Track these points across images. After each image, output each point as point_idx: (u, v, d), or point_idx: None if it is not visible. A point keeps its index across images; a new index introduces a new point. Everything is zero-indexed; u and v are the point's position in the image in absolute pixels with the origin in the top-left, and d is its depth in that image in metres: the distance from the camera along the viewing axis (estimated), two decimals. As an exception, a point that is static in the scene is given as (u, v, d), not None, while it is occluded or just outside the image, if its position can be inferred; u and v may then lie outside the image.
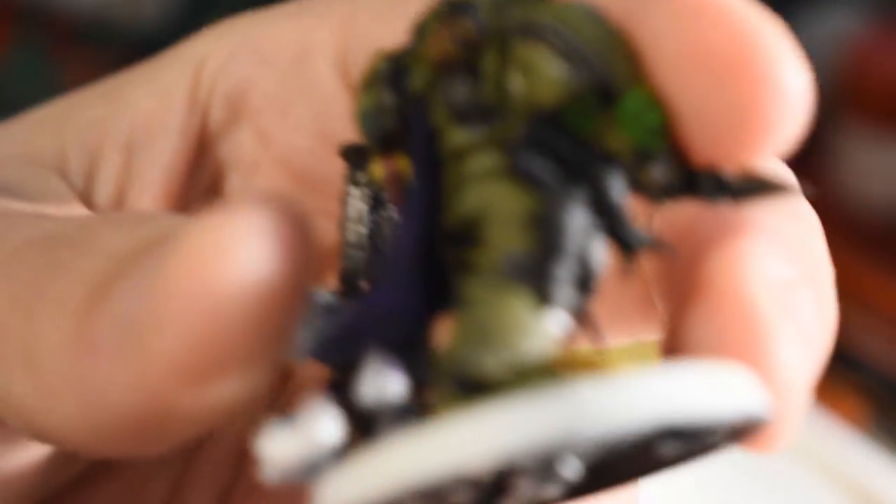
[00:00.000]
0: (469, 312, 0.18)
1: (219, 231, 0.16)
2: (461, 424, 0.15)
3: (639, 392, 0.15)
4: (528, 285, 0.17)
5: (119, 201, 0.25)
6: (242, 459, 0.26)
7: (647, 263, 0.21)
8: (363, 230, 0.21)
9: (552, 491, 0.19)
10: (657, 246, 0.18)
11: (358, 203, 0.21)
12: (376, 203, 0.21)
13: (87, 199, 0.25)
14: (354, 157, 0.21)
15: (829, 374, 0.67)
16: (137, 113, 0.25)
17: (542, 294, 0.17)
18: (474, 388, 0.17)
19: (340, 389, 0.19)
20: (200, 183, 0.26)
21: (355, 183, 0.21)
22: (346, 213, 0.21)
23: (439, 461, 0.15)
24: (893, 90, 0.84)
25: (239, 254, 0.16)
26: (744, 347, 0.18)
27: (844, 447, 0.67)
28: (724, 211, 0.19)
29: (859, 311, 0.79)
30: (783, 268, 0.19)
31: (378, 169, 0.21)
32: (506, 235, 0.18)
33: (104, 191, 0.25)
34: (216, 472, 0.26)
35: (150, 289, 0.17)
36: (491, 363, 0.17)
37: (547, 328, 0.17)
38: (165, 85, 0.25)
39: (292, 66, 0.25)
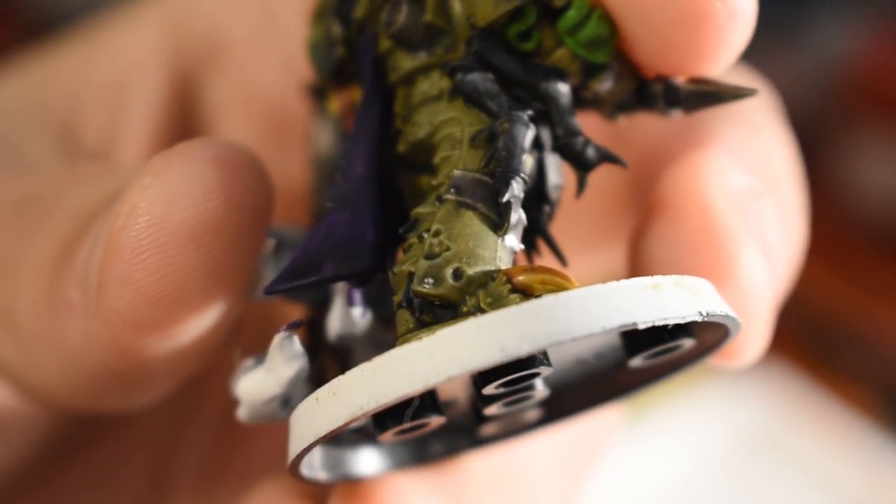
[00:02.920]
0: (420, 234, 0.17)
1: (156, 181, 0.16)
2: (422, 348, 0.15)
3: (600, 297, 0.15)
4: (478, 206, 0.17)
5: (107, 149, 0.25)
6: None
7: (609, 184, 0.21)
8: (330, 163, 0.21)
9: (529, 412, 0.19)
10: (611, 159, 0.18)
11: (324, 136, 0.21)
12: (342, 136, 0.21)
13: (75, 148, 0.24)
14: (319, 92, 0.21)
15: (840, 365, 0.66)
16: (116, 63, 0.25)
17: (491, 213, 0.17)
18: (429, 308, 0.17)
19: (310, 324, 0.19)
20: (189, 127, 0.26)
21: (321, 117, 0.21)
22: (314, 148, 0.21)
23: (406, 383, 0.15)
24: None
25: (176, 203, 0.16)
26: (705, 257, 0.18)
27: (856, 437, 0.67)
28: (682, 126, 0.19)
29: (871, 305, 0.79)
30: (743, 179, 0.19)
31: (335, 103, 0.21)
32: (454, 158, 0.18)
33: (92, 139, 0.25)
34: (216, 411, 0.26)
35: (104, 245, 0.17)
36: (441, 283, 0.17)
37: (496, 248, 0.17)
38: (140, 33, 0.25)
39: (259, 6, 0.25)
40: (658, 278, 0.16)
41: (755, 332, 0.19)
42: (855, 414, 0.70)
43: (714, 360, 0.19)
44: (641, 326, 0.15)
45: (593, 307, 0.15)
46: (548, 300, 0.15)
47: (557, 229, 0.19)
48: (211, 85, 0.25)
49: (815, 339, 0.78)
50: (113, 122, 0.25)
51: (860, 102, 0.88)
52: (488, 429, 0.20)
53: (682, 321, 0.16)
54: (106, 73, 0.25)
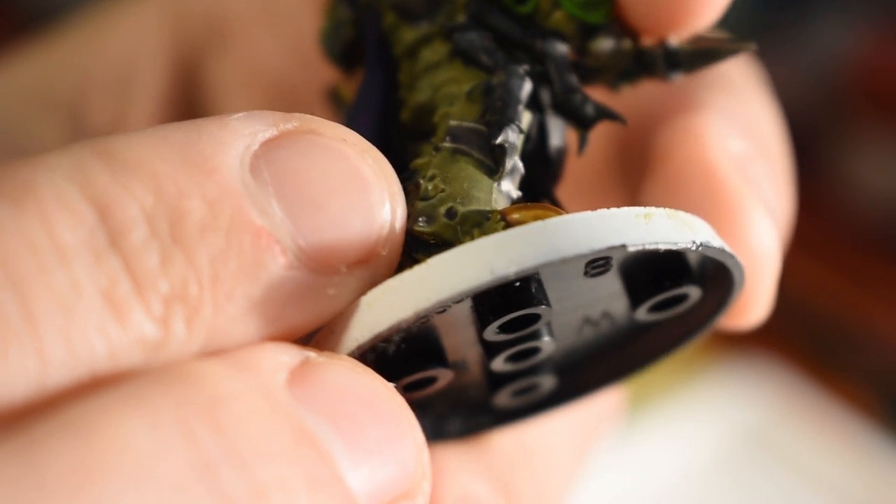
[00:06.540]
0: (416, 181, 0.18)
1: None
2: (412, 275, 0.16)
3: (589, 221, 0.15)
4: (473, 152, 0.18)
5: (114, 130, 0.25)
6: None
7: (597, 155, 0.22)
8: None
9: (545, 384, 0.19)
10: (610, 116, 0.18)
11: None
12: None
13: (82, 131, 0.24)
14: (335, 96, 0.22)
15: (839, 365, 0.66)
16: (121, 45, 0.25)
17: (487, 159, 0.18)
18: (424, 247, 0.17)
19: None
20: (194, 107, 0.26)
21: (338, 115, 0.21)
22: None
23: (397, 311, 0.16)
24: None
25: None
26: (713, 217, 0.18)
27: (855, 437, 0.67)
28: (670, 95, 0.20)
29: (870, 305, 0.79)
30: (739, 142, 0.19)
31: (347, 89, 0.21)
32: (452, 113, 0.18)
33: (98, 121, 0.25)
34: None
35: None
36: (434, 221, 0.17)
37: (492, 191, 0.17)
38: (143, 15, 0.25)
39: None
40: (650, 209, 0.16)
41: (764, 290, 0.19)
42: (854, 414, 0.70)
43: (723, 322, 0.19)
44: (631, 249, 0.15)
45: (582, 230, 0.15)
46: (536, 225, 0.15)
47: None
48: (215, 65, 0.25)
49: (814, 338, 0.78)
50: (119, 103, 0.25)
51: (860, 102, 0.88)
52: (503, 401, 0.20)
53: (673, 247, 0.16)
54: (111, 55, 0.25)
